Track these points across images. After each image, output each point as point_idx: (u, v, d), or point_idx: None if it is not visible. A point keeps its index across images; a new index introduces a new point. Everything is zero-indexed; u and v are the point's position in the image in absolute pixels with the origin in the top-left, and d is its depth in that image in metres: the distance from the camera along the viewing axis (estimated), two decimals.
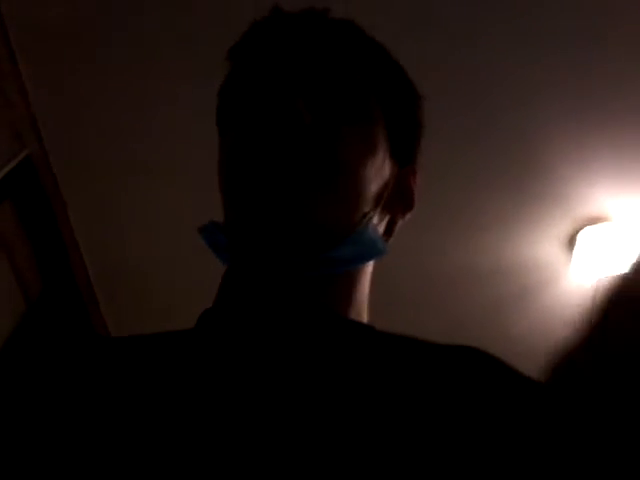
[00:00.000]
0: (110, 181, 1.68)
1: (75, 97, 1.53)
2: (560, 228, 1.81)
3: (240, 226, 0.47)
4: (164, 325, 0.50)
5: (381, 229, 0.55)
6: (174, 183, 1.64)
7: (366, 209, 0.50)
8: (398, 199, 0.56)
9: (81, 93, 1.52)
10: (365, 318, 0.52)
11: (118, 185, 1.69)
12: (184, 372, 0.41)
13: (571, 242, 1.84)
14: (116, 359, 0.43)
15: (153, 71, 1.47)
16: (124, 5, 1.38)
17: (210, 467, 0.35)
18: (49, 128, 1.57)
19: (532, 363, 1.92)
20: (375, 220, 0.52)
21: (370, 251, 0.50)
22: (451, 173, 1.69)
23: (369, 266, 0.53)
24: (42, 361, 0.43)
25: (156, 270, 1.86)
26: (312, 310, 0.46)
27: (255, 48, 0.51)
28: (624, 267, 1.80)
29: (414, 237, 1.75)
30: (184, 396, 0.39)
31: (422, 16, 1.41)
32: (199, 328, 0.47)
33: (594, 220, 1.79)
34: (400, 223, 0.58)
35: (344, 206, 0.47)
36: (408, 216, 0.58)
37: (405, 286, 1.93)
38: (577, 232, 1.81)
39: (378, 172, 0.51)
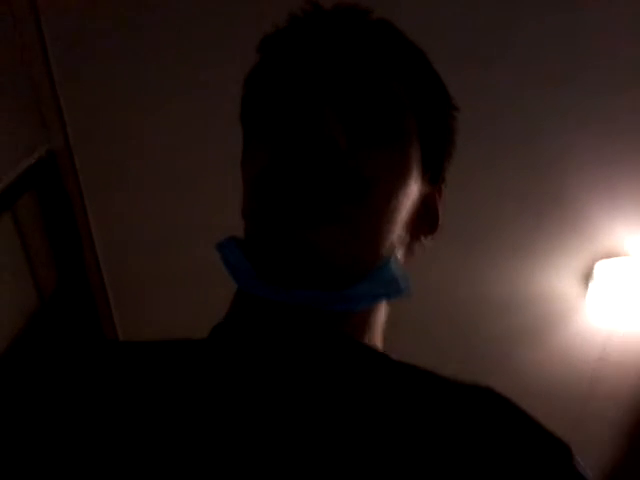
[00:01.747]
0: (131, 183, 1.69)
1: (103, 95, 1.55)
2: (577, 260, 1.79)
3: (262, 252, 0.44)
4: (174, 332, 0.50)
5: (404, 251, 0.53)
6: (195, 187, 1.65)
7: (393, 239, 0.48)
8: (423, 220, 0.53)
9: (109, 92, 1.54)
10: (380, 344, 0.50)
11: (138, 188, 1.70)
12: (194, 385, 0.40)
13: (587, 275, 1.82)
14: (125, 364, 0.42)
15: (183, 76, 1.49)
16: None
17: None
18: (75, 124, 1.59)
19: (543, 396, 1.90)
20: (399, 245, 0.50)
21: (391, 291, 0.48)
22: (469, 200, 1.68)
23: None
24: (51, 362, 0.43)
25: (171, 276, 1.86)
26: (326, 333, 0.44)
27: (289, 46, 0.48)
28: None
29: (428, 265, 1.74)
30: (190, 410, 0.38)
31: (451, 42, 1.42)
32: (211, 342, 0.46)
33: (612, 254, 1.76)
34: (421, 245, 0.56)
35: (371, 241, 0.45)
36: (431, 237, 0.56)
37: (418, 313, 1.91)
38: (594, 265, 1.79)
39: (409, 197, 0.49)
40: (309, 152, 0.43)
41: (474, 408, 0.40)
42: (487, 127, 1.55)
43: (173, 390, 0.39)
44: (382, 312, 0.51)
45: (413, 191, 0.49)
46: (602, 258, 1.77)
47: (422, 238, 0.55)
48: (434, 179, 0.53)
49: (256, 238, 0.46)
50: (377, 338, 0.50)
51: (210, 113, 1.45)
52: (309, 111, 0.44)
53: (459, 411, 0.39)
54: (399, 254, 0.51)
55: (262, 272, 0.44)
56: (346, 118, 0.44)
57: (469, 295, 1.88)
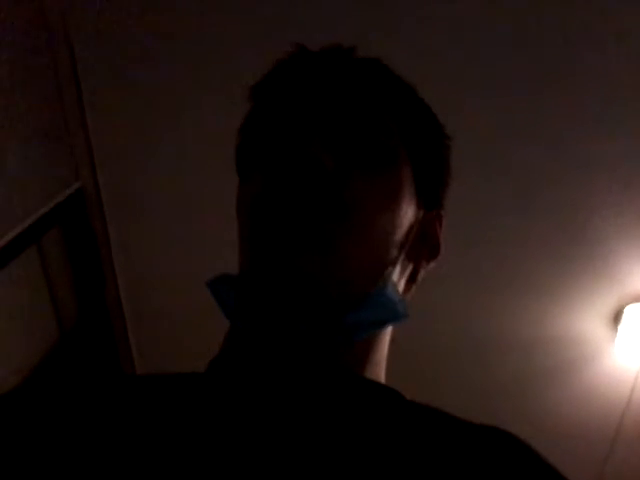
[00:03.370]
0: (155, 220, 1.72)
1: (132, 134, 1.59)
2: (606, 303, 1.75)
3: (253, 284, 0.44)
4: (192, 365, 0.49)
5: (404, 278, 0.52)
6: (222, 222, 1.66)
7: (387, 262, 0.47)
8: (423, 245, 0.52)
9: (138, 130, 1.59)
10: (383, 379, 0.48)
11: (162, 225, 1.73)
12: (190, 420, 0.39)
13: (617, 318, 1.77)
14: (125, 397, 0.41)
15: (208, 111, 1.52)
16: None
17: None
18: (104, 164, 1.63)
19: (568, 438, 1.83)
20: (397, 271, 0.49)
21: (389, 315, 0.46)
22: (498, 239, 1.67)
23: (388, 327, 0.50)
24: (61, 394, 0.42)
25: (192, 312, 1.86)
26: (325, 367, 0.43)
27: (278, 89, 0.49)
28: None
29: (451, 302, 1.73)
30: (187, 445, 0.37)
31: (476, 71, 1.43)
32: (209, 378, 0.45)
33: None
34: (424, 271, 0.54)
35: (361, 265, 0.44)
36: (432, 264, 0.55)
37: (438, 351, 1.89)
38: (623, 308, 1.74)
39: (402, 220, 0.48)
40: (297, 176, 0.42)
41: (489, 453, 0.38)
42: (513, 170, 1.56)
43: (168, 425, 0.38)
44: (384, 345, 0.49)
45: (407, 215, 0.48)
46: (631, 301, 1.73)
47: (424, 264, 0.54)
48: (430, 205, 0.53)
49: (245, 272, 0.45)
50: (380, 372, 0.48)
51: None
52: (298, 140, 0.44)
53: (472, 455, 0.37)
54: (398, 279, 0.50)
55: (255, 307, 0.43)
56: (334, 145, 0.45)
57: (497, 336, 1.84)
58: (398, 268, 0.49)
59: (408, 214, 0.48)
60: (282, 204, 0.42)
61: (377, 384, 0.45)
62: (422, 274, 0.54)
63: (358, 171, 0.45)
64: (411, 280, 0.53)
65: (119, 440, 0.37)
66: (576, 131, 1.48)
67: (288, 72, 0.49)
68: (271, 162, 0.45)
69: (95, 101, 1.55)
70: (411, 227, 0.49)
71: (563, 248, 1.67)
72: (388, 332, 0.50)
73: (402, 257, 0.49)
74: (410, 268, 0.52)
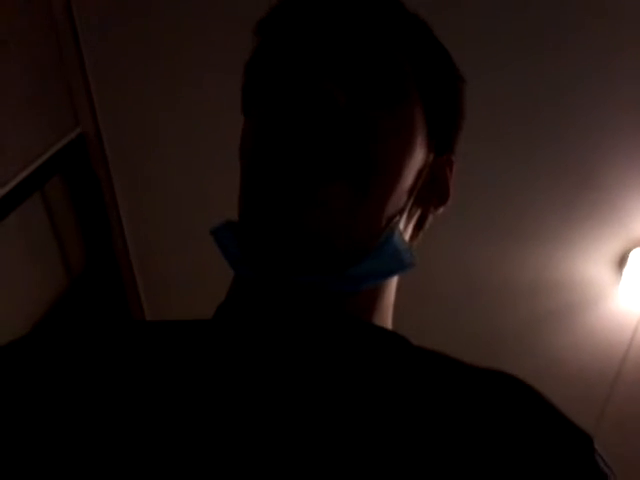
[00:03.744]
0: (159, 164, 1.70)
1: (132, 79, 1.56)
2: (610, 247, 1.75)
3: (255, 237, 0.42)
4: (200, 311, 0.49)
5: (411, 225, 0.50)
6: (228, 165, 1.65)
7: (396, 210, 0.45)
8: (432, 191, 0.50)
9: (139, 76, 1.55)
10: (390, 326, 0.48)
11: (166, 169, 1.71)
12: (196, 367, 0.39)
13: (621, 262, 1.77)
14: (129, 345, 0.41)
15: (213, 54, 1.49)
16: None
17: (209, 460, 0.33)
18: (104, 107, 1.61)
19: (567, 385, 1.88)
20: (405, 218, 0.47)
21: (395, 266, 0.45)
22: (499, 182, 1.65)
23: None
24: (70, 341, 0.42)
25: (199, 257, 1.87)
26: (331, 314, 0.42)
27: (285, 23, 0.46)
28: None
29: (459, 247, 1.73)
30: (192, 392, 0.37)
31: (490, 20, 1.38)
32: (215, 325, 0.45)
33: None
34: (432, 217, 0.53)
35: (373, 212, 0.43)
36: (441, 210, 0.53)
37: (446, 296, 1.90)
38: (628, 252, 1.74)
39: (414, 163, 0.46)
40: (306, 110, 0.40)
41: (495, 395, 0.38)
42: (520, 115, 1.53)
43: (175, 372, 0.38)
44: (390, 291, 0.48)
45: (418, 159, 0.46)
46: (637, 245, 1.73)
47: (432, 210, 0.52)
48: (441, 149, 0.51)
49: (248, 222, 0.43)
50: (387, 319, 0.48)
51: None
52: (308, 74, 0.42)
53: (478, 398, 0.37)
54: (405, 226, 0.49)
55: (256, 259, 0.42)
56: (345, 81, 0.42)
57: (501, 280, 1.85)
58: (405, 215, 0.47)
59: (419, 157, 0.47)
60: (288, 145, 0.40)
61: (384, 330, 0.45)
62: (430, 220, 0.53)
63: (370, 108, 0.43)
64: (418, 226, 0.52)
65: (127, 386, 0.37)
66: (583, 76, 1.45)
67: (297, 5, 0.46)
68: (278, 96, 0.43)
69: (93, 44, 1.51)
70: (421, 171, 0.48)
71: (569, 193, 1.65)
72: (394, 279, 0.49)
73: (411, 203, 0.47)
74: (418, 214, 0.51)
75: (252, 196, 0.43)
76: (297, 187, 0.40)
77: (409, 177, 0.46)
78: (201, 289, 1.91)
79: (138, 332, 0.43)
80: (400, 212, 0.46)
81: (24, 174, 1.37)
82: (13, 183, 1.33)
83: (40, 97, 1.45)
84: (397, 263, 0.45)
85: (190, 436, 0.34)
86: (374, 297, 0.46)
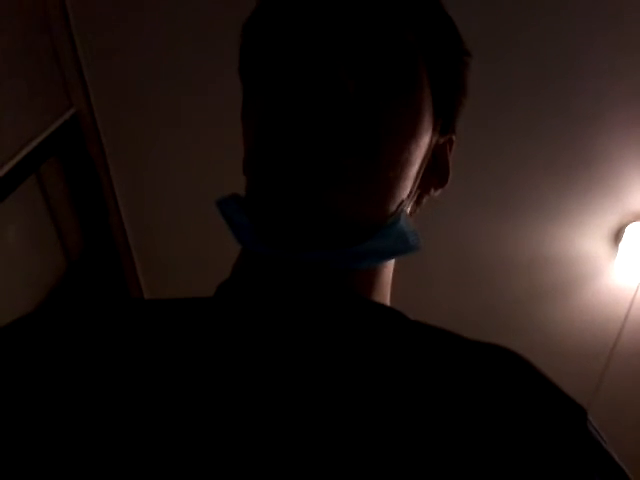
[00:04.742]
0: (153, 143, 1.69)
1: (124, 60, 1.54)
2: (607, 221, 1.76)
3: (265, 212, 0.42)
4: (199, 291, 0.49)
5: (411, 203, 0.51)
6: (220, 147, 1.64)
7: (404, 195, 0.46)
8: (433, 172, 0.51)
9: (130, 56, 1.53)
10: (388, 302, 0.49)
11: (161, 149, 1.70)
12: (198, 347, 0.39)
13: (617, 237, 1.78)
14: (130, 323, 0.42)
15: (204, 37, 1.47)
16: None
17: (211, 444, 0.34)
18: (97, 88, 1.59)
19: (564, 359, 1.90)
20: (410, 197, 0.48)
21: (401, 248, 0.46)
22: (497, 159, 1.65)
23: None
24: (70, 320, 0.42)
25: (196, 236, 1.88)
26: (334, 291, 0.43)
27: None
28: None
29: (453, 222, 1.73)
30: (193, 372, 0.37)
31: None
32: (217, 301, 0.45)
33: None
34: (427, 198, 0.53)
35: (382, 197, 0.43)
36: (438, 192, 0.53)
37: (439, 272, 1.91)
38: (624, 227, 1.75)
39: (421, 149, 0.46)
40: (315, 97, 0.40)
41: (490, 368, 0.39)
42: (518, 90, 1.52)
43: (176, 349, 0.39)
44: (390, 270, 0.49)
45: (425, 142, 0.47)
46: (632, 220, 1.74)
47: (431, 191, 0.53)
48: (445, 129, 0.51)
49: (258, 196, 0.43)
50: (385, 296, 0.48)
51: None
52: (315, 56, 0.41)
53: (474, 371, 0.38)
54: (408, 208, 0.49)
55: (266, 233, 0.42)
56: (355, 66, 0.42)
57: (494, 254, 1.87)
58: (411, 196, 0.48)
59: (426, 140, 0.47)
60: (302, 122, 0.40)
61: (382, 306, 0.45)
62: (427, 198, 0.54)
63: (381, 95, 0.42)
64: (416, 204, 0.53)
65: (126, 366, 0.38)
66: (582, 52, 1.44)
67: None
68: (285, 80, 0.42)
69: (84, 24, 1.49)
70: (426, 154, 0.48)
71: (565, 168, 1.65)
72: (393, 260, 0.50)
73: (416, 186, 0.48)
74: (417, 193, 0.51)
75: (266, 171, 0.42)
76: (313, 162, 0.40)
77: (417, 161, 0.46)
78: (200, 268, 1.92)
79: (138, 311, 0.44)
80: (408, 197, 0.47)
81: (19, 157, 1.36)
82: (8, 166, 1.32)
83: (33, 79, 1.44)
84: (403, 244, 0.46)
85: (188, 418, 0.35)
86: (374, 275, 0.47)
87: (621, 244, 1.77)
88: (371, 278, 0.46)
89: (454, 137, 0.54)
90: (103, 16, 1.48)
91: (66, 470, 0.33)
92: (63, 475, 0.32)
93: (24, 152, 1.38)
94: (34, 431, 0.34)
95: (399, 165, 0.43)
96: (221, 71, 1.46)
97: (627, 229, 1.74)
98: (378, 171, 0.42)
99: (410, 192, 0.47)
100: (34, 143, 1.42)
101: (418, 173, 0.48)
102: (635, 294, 1.87)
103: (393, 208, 0.45)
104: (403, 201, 0.46)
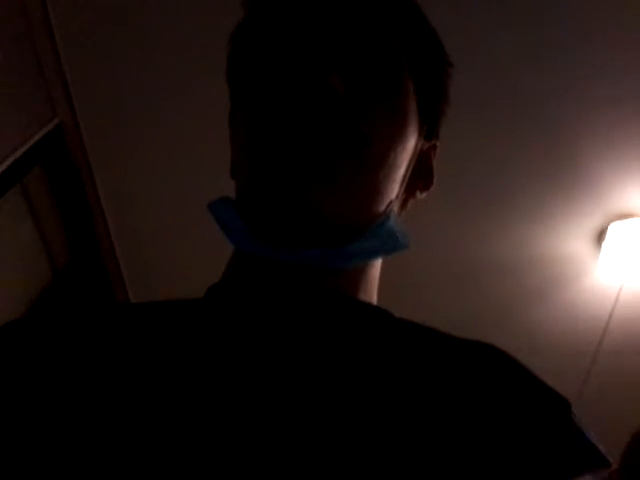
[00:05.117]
0: (138, 151, 1.69)
1: (107, 68, 1.54)
2: (589, 222, 1.78)
3: (257, 211, 0.43)
4: (184, 295, 0.50)
5: (397, 207, 0.52)
6: (206, 154, 1.64)
7: (392, 197, 0.47)
8: (418, 175, 0.52)
9: (113, 64, 1.53)
10: (374, 302, 0.50)
11: (146, 157, 1.70)
12: (188, 347, 0.40)
13: (600, 237, 1.80)
14: (125, 327, 0.42)
15: (186, 44, 1.47)
16: None
17: (206, 443, 0.34)
18: (81, 98, 1.59)
19: (550, 359, 1.92)
20: (397, 201, 0.49)
21: (390, 246, 0.47)
22: (480, 162, 1.67)
23: None
24: (57, 324, 0.42)
25: (179, 237, 1.87)
26: (323, 291, 0.44)
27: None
28: None
29: (436, 223, 1.74)
30: (182, 371, 0.38)
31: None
32: (206, 303, 0.46)
33: (624, 215, 1.75)
34: (413, 200, 0.55)
35: (371, 198, 0.44)
36: (423, 195, 0.55)
37: (423, 274, 1.92)
38: (606, 227, 1.77)
39: (408, 153, 0.48)
40: (307, 101, 0.41)
41: (476, 363, 0.40)
42: (499, 91, 1.54)
43: (165, 351, 0.39)
44: (377, 269, 0.50)
45: (411, 147, 0.48)
46: (614, 219, 1.76)
47: (417, 194, 0.54)
48: (430, 134, 0.52)
49: (250, 197, 0.44)
50: (373, 295, 0.49)
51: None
52: (307, 62, 0.42)
53: (459, 366, 0.39)
54: (395, 209, 0.50)
55: (258, 232, 0.43)
56: (345, 72, 0.43)
57: (479, 256, 1.88)
58: (398, 198, 0.49)
59: (412, 144, 0.48)
60: (288, 133, 0.41)
61: (368, 305, 0.46)
62: (410, 204, 0.55)
63: (370, 101, 0.44)
64: (402, 208, 0.54)
65: (117, 369, 0.38)
66: (563, 52, 1.46)
67: None
68: (275, 84, 0.44)
69: (67, 32, 1.49)
70: (411, 158, 0.49)
71: (547, 170, 1.67)
72: (380, 259, 0.51)
73: (403, 188, 0.49)
74: (404, 197, 0.52)
75: (258, 170, 0.43)
76: (305, 162, 0.41)
77: (403, 163, 0.47)
78: (187, 275, 1.92)
79: (126, 313, 0.44)
80: (396, 197, 0.48)
81: (3, 167, 1.35)
82: None
83: (16, 90, 1.43)
84: (393, 243, 0.47)
85: (179, 419, 0.35)
86: (362, 274, 0.47)
87: (604, 243, 1.79)
88: (359, 277, 0.47)
89: (438, 143, 0.55)
90: (86, 27, 1.48)
91: (60, 474, 0.33)
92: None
93: (8, 162, 1.37)
94: (28, 433, 0.34)
95: (387, 166, 0.45)
96: (205, 80, 1.47)
97: (609, 228, 1.77)
98: (367, 172, 0.43)
99: (397, 194, 0.48)
100: (18, 153, 1.41)
101: (405, 176, 0.49)
102: (619, 293, 1.89)
103: (381, 208, 0.46)
104: (391, 201, 0.47)
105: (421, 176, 0.53)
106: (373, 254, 0.47)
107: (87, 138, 1.65)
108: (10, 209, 1.50)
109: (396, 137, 0.45)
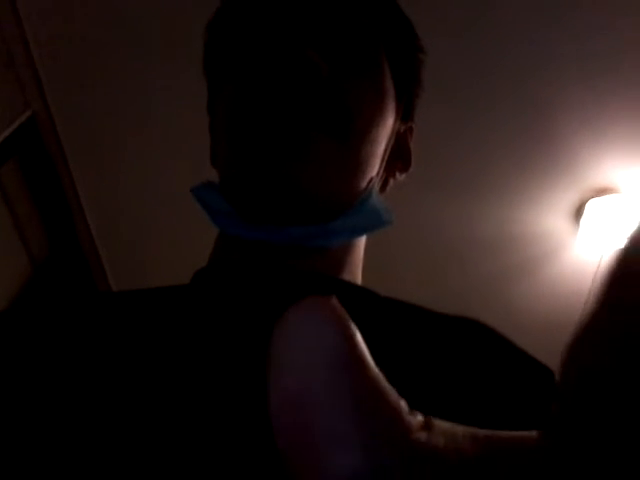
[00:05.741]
0: (114, 140, 1.67)
1: (79, 57, 1.51)
2: (567, 198, 1.80)
3: (240, 190, 0.44)
4: (166, 280, 0.49)
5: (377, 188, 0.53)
6: (182, 141, 1.63)
7: (373, 173, 0.48)
8: (397, 158, 0.54)
9: (85, 53, 1.50)
10: (359, 281, 0.50)
11: (121, 146, 1.68)
12: (174, 334, 0.39)
13: (578, 213, 1.83)
14: (111, 314, 0.41)
15: (157, 32, 1.45)
16: None
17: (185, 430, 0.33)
18: (53, 88, 1.56)
19: (533, 335, 1.96)
20: (377, 179, 0.50)
21: (374, 222, 0.47)
22: (457, 139, 1.67)
23: None
24: (40, 314, 0.42)
25: (159, 227, 1.86)
26: (309, 274, 0.44)
27: None
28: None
29: (415, 204, 1.75)
30: (171, 360, 0.37)
31: None
32: (193, 287, 0.46)
33: (602, 191, 1.77)
34: (392, 183, 0.56)
35: (354, 173, 0.45)
36: (402, 176, 0.56)
37: (405, 255, 1.94)
38: (585, 203, 1.79)
39: (387, 131, 0.49)
40: (290, 78, 0.41)
41: (462, 337, 0.41)
42: (475, 69, 1.54)
43: (152, 338, 0.39)
44: (361, 249, 0.51)
45: (389, 125, 0.49)
46: (592, 196, 1.78)
47: (396, 175, 0.55)
48: (406, 116, 0.54)
49: (232, 176, 0.45)
50: (357, 273, 0.50)
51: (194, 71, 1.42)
52: (287, 41, 0.43)
53: (447, 340, 0.40)
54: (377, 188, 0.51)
55: (242, 211, 0.44)
56: (324, 50, 0.44)
57: (459, 235, 1.89)
58: (378, 178, 0.50)
59: (390, 122, 0.49)
60: (276, 102, 0.42)
61: (353, 285, 0.47)
62: (391, 184, 0.56)
63: (351, 79, 0.45)
64: (381, 189, 0.54)
65: (102, 358, 0.37)
66: (537, 27, 1.46)
67: None
68: (255, 63, 0.44)
69: (37, 21, 1.45)
70: (390, 138, 0.50)
71: (524, 147, 1.68)
72: (364, 239, 0.52)
73: (383, 168, 0.50)
74: (382, 179, 0.53)
75: (240, 149, 0.44)
76: (288, 138, 0.41)
77: (383, 141, 0.48)
78: (170, 263, 1.91)
79: (110, 301, 0.44)
80: (377, 175, 0.49)
81: None
82: None
83: None
84: (376, 220, 0.47)
85: (167, 405, 0.34)
86: (347, 254, 0.48)
87: (582, 220, 1.82)
88: (344, 258, 0.47)
89: (414, 125, 0.57)
90: (56, 13, 1.45)
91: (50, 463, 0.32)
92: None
93: None
94: (16, 423, 0.34)
95: (369, 142, 0.46)
96: (181, 64, 1.45)
97: (587, 205, 1.79)
98: (350, 148, 0.44)
99: (378, 171, 0.49)
100: None
101: (385, 154, 0.50)
102: (597, 268, 1.92)
103: (363, 185, 0.46)
104: (372, 178, 0.48)
105: (399, 157, 0.54)
106: (357, 231, 0.47)
107: (61, 129, 1.62)
108: None
109: (377, 113, 0.46)
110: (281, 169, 0.41)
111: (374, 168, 0.48)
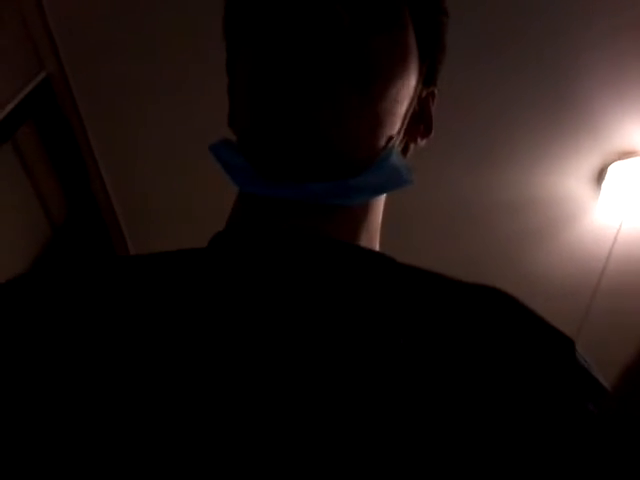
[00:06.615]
0: (129, 101, 1.66)
1: (94, 16, 1.49)
2: (589, 161, 1.77)
3: (260, 144, 0.43)
4: (184, 244, 0.49)
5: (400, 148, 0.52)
6: (195, 102, 1.61)
7: (393, 131, 0.47)
8: (418, 122, 0.53)
9: (100, 13, 1.48)
10: (377, 247, 0.49)
11: (137, 105, 1.67)
12: (190, 295, 0.39)
13: (600, 177, 1.79)
14: (129, 277, 0.41)
15: None
16: None
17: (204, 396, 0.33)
18: (68, 49, 1.54)
19: (552, 300, 1.95)
20: (399, 139, 0.49)
21: (395, 181, 0.46)
22: (480, 103, 1.64)
23: (383, 195, 0.50)
24: (59, 278, 0.42)
25: (176, 190, 1.86)
26: (327, 241, 0.43)
27: None
28: None
29: (437, 167, 1.73)
30: (184, 321, 0.37)
31: None
32: (210, 251, 0.45)
33: (625, 155, 1.73)
34: (413, 148, 0.54)
35: (375, 128, 0.44)
36: (424, 142, 0.55)
37: (424, 218, 1.93)
38: (607, 166, 1.76)
39: (409, 89, 0.48)
40: (312, 28, 0.41)
41: (480, 305, 0.40)
42: (496, 33, 1.50)
43: (168, 301, 0.38)
44: (378, 213, 0.50)
45: (411, 85, 0.48)
46: (614, 159, 1.74)
47: (418, 140, 0.54)
48: (429, 80, 0.53)
49: (254, 130, 0.44)
50: (374, 240, 0.49)
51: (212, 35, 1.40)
52: None
53: (464, 308, 0.39)
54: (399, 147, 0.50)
55: (262, 167, 0.43)
56: (349, 2, 0.43)
57: (479, 198, 1.88)
58: (399, 138, 0.49)
59: (412, 82, 0.48)
60: (297, 62, 0.41)
61: (370, 251, 0.46)
62: (412, 150, 0.54)
63: (374, 32, 0.44)
64: (403, 153, 0.53)
65: (120, 324, 0.37)
66: None
67: None
68: (284, 15, 0.43)
69: None
70: (412, 101, 0.49)
71: (547, 110, 1.65)
72: (383, 200, 0.51)
73: (404, 129, 0.49)
74: (403, 143, 0.52)
75: (264, 101, 0.43)
76: (309, 89, 0.41)
77: (405, 101, 0.47)
78: (189, 227, 1.92)
79: (129, 265, 0.43)
80: (398, 133, 0.48)
81: None
82: None
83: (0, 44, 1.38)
84: (397, 178, 0.47)
85: (184, 371, 0.34)
86: (365, 216, 0.47)
87: (604, 184, 1.78)
88: (363, 218, 0.47)
89: (436, 91, 0.56)
90: None
91: (55, 442, 0.32)
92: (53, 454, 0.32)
93: None
94: (30, 386, 0.34)
95: (389, 98, 0.45)
96: (200, 24, 1.42)
97: (609, 169, 1.75)
98: (370, 101, 0.43)
99: (399, 131, 0.48)
100: (6, 110, 1.38)
101: (405, 115, 0.48)
102: (617, 232, 1.89)
103: (383, 142, 0.45)
104: (392, 137, 0.47)
105: (421, 121, 0.53)
106: (379, 189, 0.47)
107: (76, 89, 1.61)
108: (3, 167, 1.48)
109: (398, 70, 0.45)
110: (306, 119, 0.40)
111: (394, 126, 0.47)
